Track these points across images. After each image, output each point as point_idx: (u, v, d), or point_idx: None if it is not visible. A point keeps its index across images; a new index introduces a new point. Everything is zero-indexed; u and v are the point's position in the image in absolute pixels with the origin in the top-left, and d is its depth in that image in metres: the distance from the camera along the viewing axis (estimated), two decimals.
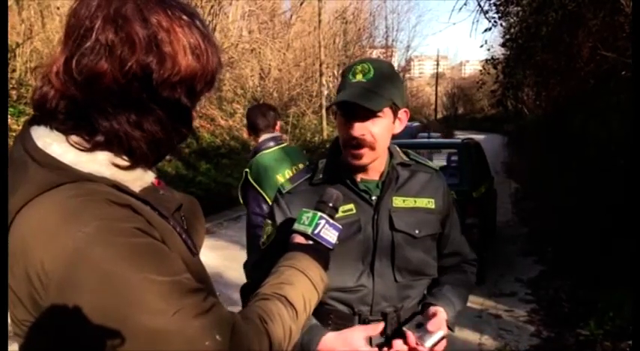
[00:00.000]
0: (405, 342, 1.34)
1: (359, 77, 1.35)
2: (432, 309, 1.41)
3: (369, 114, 1.32)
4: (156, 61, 0.75)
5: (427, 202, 1.47)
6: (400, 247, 1.41)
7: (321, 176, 1.44)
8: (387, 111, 1.36)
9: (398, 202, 1.44)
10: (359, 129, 1.33)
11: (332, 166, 1.45)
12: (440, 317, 1.39)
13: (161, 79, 0.75)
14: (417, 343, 1.32)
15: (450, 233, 1.55)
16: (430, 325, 1.36)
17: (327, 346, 1.29)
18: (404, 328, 1.37)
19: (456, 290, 1.50)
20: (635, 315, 1.80)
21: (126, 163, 0.79)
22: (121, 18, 0.74)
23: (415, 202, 1.46)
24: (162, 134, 0.79)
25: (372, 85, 1.33)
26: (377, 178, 1.45)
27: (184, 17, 0.78)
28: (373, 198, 1.42)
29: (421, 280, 1.48)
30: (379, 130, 1.35)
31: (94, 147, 0.76)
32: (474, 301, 4.90)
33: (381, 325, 1.37)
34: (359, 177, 1.44)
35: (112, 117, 0.76)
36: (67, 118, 0.77)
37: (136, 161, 0.80)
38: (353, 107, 1.32)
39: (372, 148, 1.36)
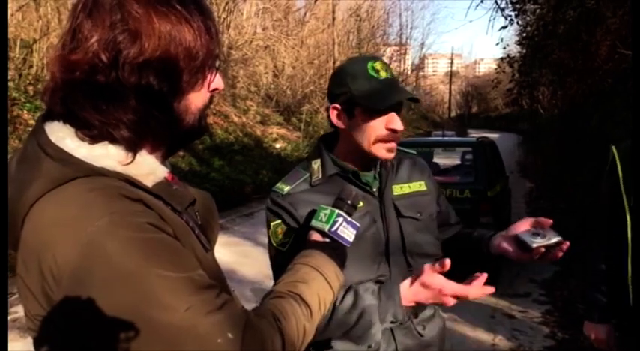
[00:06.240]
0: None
1: (384, 74, 1.37)
2: (515, 224, 1.39)
3: (399, 109, 1.39)
4: (121, 39, 0.74)
5: (419, 186, 1.53)
6: (408, 233, 1.44)
7: (320, 177, 1.42)
8: None
9: (397, 190, 1.48)
10: (399, 122, 1.38)
11: (328, 165, 1.44)
12: (533, 219, 1.37)
13: (127, 59, 0.74)
14: (560, 242, 1.29)
15: (446, 208, 1.61)
16: (541, 221, 1.33)
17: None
18: (533, 245, 1.28)
19: None
20: (636, 317, 1.77)
21: (123, 155, 0.77)
22: (94, 6, 0.75)
23: (410, 187, 1.51)
24: (139, 121, 0.77)
25: (398, 81, 1.39)
26: (372, 170, 1.47)
27: (168, 5, 0.77)
28: (374, 190, 1.45)
29: (429, 261, 1.48)
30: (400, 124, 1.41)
31: (95, 139, 0.76)
32: (488, 301, 4.87)
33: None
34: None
35: (84, 107, 0.75)
36: (64, 111, 0.77)
37: (130, 150, 0.78)
38: (394, 103, 1.36)
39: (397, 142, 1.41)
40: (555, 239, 1.28)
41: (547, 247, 1.28)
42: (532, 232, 1.31)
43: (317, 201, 1.22)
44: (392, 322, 1.28)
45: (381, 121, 1.37)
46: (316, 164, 1.45)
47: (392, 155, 1.40)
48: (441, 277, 1.20)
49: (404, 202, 1.47)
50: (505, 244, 1.38)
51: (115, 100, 0.75)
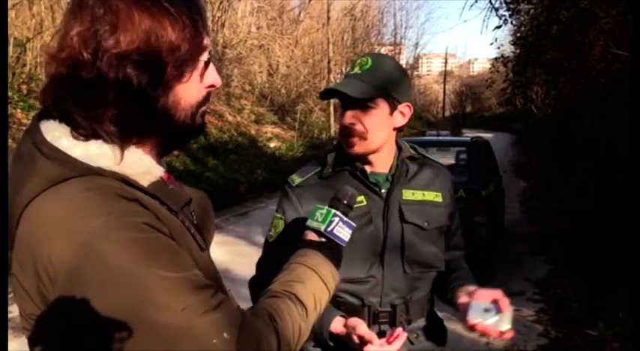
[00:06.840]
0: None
1: (356, 69, 1.41)
2: (482, 291, 1.31)
3: (360, 104, 1.37)
4: (101, 32, 0.74)
5: (435, 196, 1.50)
6: (409, 239, 1.43)
7: (330, 170, 1.45)
8: (382, 103, 1.39)
9: (407, 194, 1.46)
10: (349, 117, 1.39)
11: (341, 159, 1.46)
12: (502, 295, 1.27)
13: (105, 53, 0.73)
14: (500, 332, 1.22)
15: (454, 227, 1.58)
16: (502, 304, 1.24)
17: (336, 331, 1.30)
18: (471, 319, 1.25)
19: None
20: (636, 315, 1.77)
21: (116, 153, 0.77)
22: (80, 2, 0.76)
23: (424, 195, 1.49)
24: (121, 116, 0.76)
25: (365, 77, 1.38)
26: (386, 171, 1.47)
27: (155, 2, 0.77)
28: (383, 191, 1.45)
29: (429, 272, 1.49)
30: (371, 121, 1.38)
31: (87, 138, 0.76)
32: None
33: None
34: (368, 170, 1.45)
35: (69, 103, 0.75)
36: (58, 110, 0.77)
37: (118, 147, 0.77)
38: (346, 98, 1.37)
39: (364, 138, 1.39)
40: (494, 322, 1.23)
41: (489, 325, 1.23)
42: (485, 308, 1.25)
43: (323, 195, 1.24)
44: (314, 346, 1.31)
45: (340, 115, 1.43)
46: (331, 157, 1.48)
47: (350, 150, 1.41)
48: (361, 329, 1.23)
49: (412, 207, 1.45)
50: (461, 302, 1.33)
51: (96, 94, 0.75)
